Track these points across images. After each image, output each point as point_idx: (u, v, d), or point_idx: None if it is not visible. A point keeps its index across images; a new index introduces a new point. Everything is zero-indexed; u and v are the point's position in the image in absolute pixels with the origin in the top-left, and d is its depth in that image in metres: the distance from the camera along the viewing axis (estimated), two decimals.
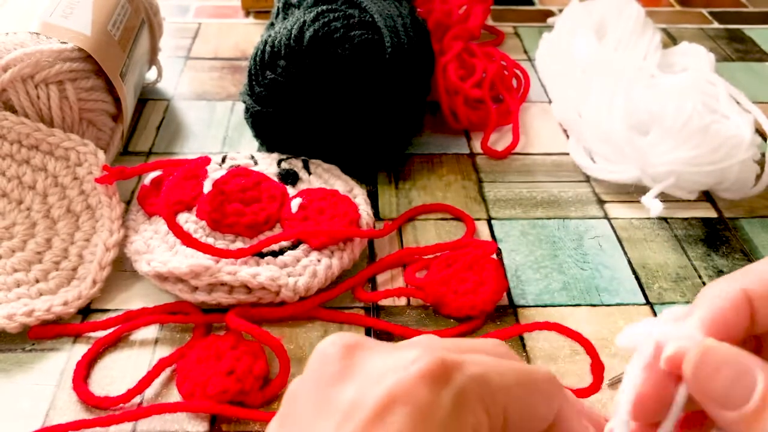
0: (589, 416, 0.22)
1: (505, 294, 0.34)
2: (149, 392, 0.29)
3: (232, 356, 0.29)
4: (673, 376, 0.18)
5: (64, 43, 0.38)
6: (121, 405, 0.28)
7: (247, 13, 0.63)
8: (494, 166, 0.44)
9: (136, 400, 0.29)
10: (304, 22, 0.38)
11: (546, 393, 0.19)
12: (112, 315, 0.32)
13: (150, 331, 0.32)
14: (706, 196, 0.42)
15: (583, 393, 0.29)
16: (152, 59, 0.49)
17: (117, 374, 0.30)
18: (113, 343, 0.31)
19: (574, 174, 0.43)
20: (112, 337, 0.31)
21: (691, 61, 0.47)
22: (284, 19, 0.41)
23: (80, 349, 0.31)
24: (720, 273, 0.36)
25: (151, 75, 0.51)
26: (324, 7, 0.39)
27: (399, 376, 0.17)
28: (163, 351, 0.31)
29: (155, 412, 0.28)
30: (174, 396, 0.29)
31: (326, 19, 0.38)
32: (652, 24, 0.51)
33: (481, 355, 0.19)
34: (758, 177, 0.40)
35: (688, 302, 0.34)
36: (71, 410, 0.28)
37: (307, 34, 0.37)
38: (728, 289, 0.19)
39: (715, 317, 0.19)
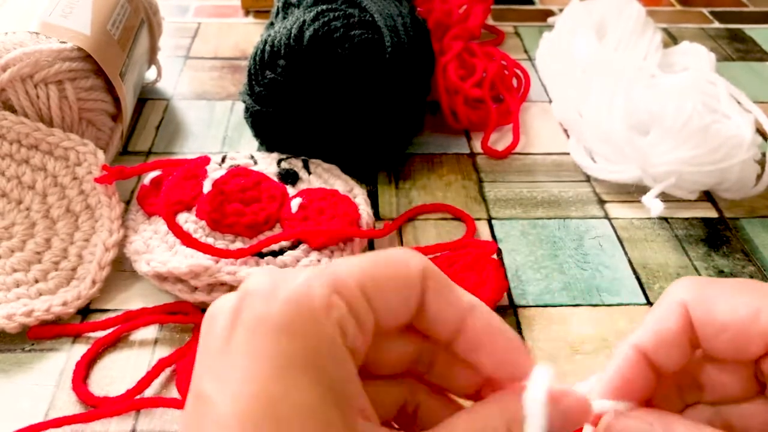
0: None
1: (505, 294, 0.34)
2: (149, 392, 0.29)
3: None
4: None
5: (64, 42, 0.37)
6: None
7: (247, 13, 0.63)
8: (494, 165, 0.44)
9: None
10: (304, 21, 0.38)
11: (400, 261, 0.17)
12: (112, 315, 0.32)
13: (150, 331, 0.32)
14: (707, 196, 0.41)
15: None
16: (152, 59, 0.49)
17: (117, 374, 0.30)
18: (113, 343, 0.31)
19: (574, 174, 0.43)
20: (112, 337, 0.31)
21: (691, 61, 0.47)
22: (284, 18, 0.41)
23: (80, 349, 0.31)
24: (721, 273, 0.36)
25: (150, 75, 0.51)
26: (324, 7, 0.39)
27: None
28: (163, 351, 0.31)
29: (154, 405, 0.28)
30: (174, 395, 0.29)
31: (326, 19, 0.38)
32: (653, 24, 0.51)
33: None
34: (759, 177, 0.40)
35: None
36: (71, 410, 0.28)
37: (307, 33, 0.37)
38: (621, 349, 0.20)
39: (614, 380, 0.19)
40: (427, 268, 0.18)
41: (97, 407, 0.28)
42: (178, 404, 0.28)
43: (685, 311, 0.19)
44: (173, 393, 0.29)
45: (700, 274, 0.36)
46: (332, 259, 0.34)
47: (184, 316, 0.32)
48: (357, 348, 0.17)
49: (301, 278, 0.16)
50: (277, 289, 0.16)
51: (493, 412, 0.17)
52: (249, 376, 0.15)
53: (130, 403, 0.28)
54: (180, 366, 0.29)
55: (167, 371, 0.30)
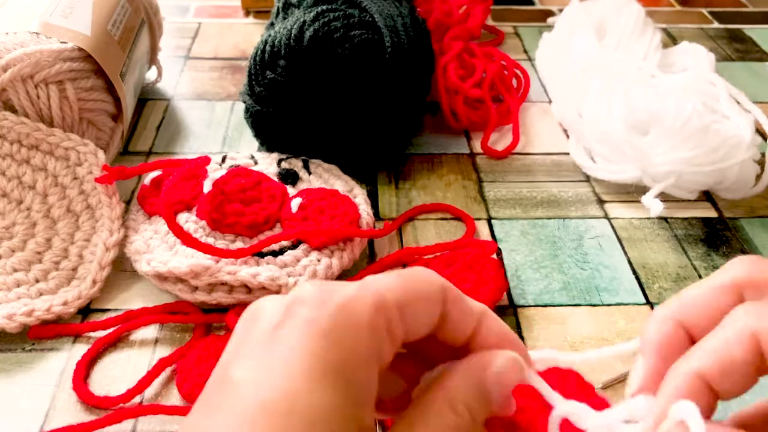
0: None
1: (505, 294, 0.34)
2: (149, 392, 0.29)
3: None
4: None
5: (64, 42, 0.38)
6: (121, 405, 0.28)
7: (247, 13, 0.63)
8: (494, 165, 0.44)
9: (137, 399, 0.29)
10: (304, 21, 0.38)
11: (425, 279, 0.19)
12: (112, 315, 0.32)
13: (150, 331, 0.32)
14: (706, 196, 0.42)
15: None
16: (152, 59, 0.49)
17: (117, 374, 0.30)
18: (113, 343, 0.31)
19: (574, 174, 0.43)
20: (112, 336, 0.31)
21: (691, 61, 0.47)
22: (284, 18, 0.41)
23: (80, 349, 0.31)
24: None
25: (151, 75, 0.51)
26: (324, 7, 0.39)
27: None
28: (163, 351, 0.31)
29: (153, 412, 0.28)
30: (174, 395, 0.29)
31: (326, 19, 0.38)
32: (652, 24, 0.51)
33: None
34: (758, 177, 0.40)
35: None
36: (71, 410, 0.28)
37: (307, 33, 0.37)
38: (681, 372, 0.19)
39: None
40: (445, 284, 0.19)
41: (98, 406, 0.28)
42: (179, 411, 0.28)
43: (755, 343, 0.18)
44: (173, 392, 0.29)
45: (699, 274, 0.36)
46: (332, 259, 0.34)
47: (184, 316, 0.32)
48: (386, 361, 0.18)
49: (350, 291, 0.18)
50: (328, 298, 0.17)
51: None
52: (288, 372, 0.16)
53: (132, 410, 0.28)
54: (180, 365, 0.29)
55: (168, 371, 0.30)
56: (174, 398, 0.29)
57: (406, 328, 0.18)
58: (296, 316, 0.17)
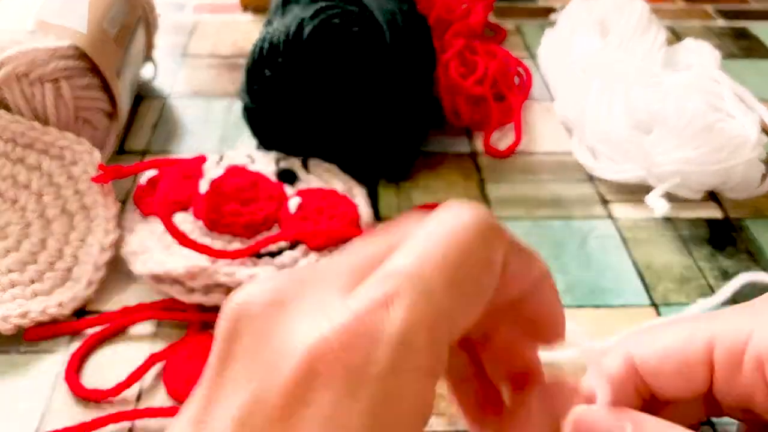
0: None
1: None
2: (140, 387, 0.29)
3: None
4: None
5: (60, 40, 0.37)
6: (111, 398, 0.28)
7: (245, 10, 0.62)
8: (496, 165, 0.43)
9: (129, 393, 0.28)
10: (303, 18, 0.38)
11: (486, 245, 0.16)
12: None
13: (146, 327, 0.31)
14: (712, 196, 0.41)
15: None
16: (148, 56, 0.49)
17: (111, 369, 0.29)
18: (108, 338, 0.31)
19: (577, 173, 0.43)
20: (108, 331, 0.31)
21: (695, 59, 0.47)
22: (283, 15, 0.41)
23: None
24: (725, 273, 0.35)
25: (147, 72, 0.50)
26: (323, 4, 0.39)
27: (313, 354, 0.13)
28: (159, 347, 0.30)
29: (147, 415, 0.27)
30: (162, 391, 0.29)
31: (325, 16, 0.38)
32: (657, 21, 0.50)
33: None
34: (764, 176, 0.40)
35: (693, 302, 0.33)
36: (67, 412, 0.28)
37: (306, 30, 0.37)
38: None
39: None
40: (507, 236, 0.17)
41: (88, 399, 0.28)
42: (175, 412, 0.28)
43: (629, 358, 0.20)
44: (163, 388, 0.29)
45: (704, 275, 0.35)
46: None
47: (181, 313, 0.32)
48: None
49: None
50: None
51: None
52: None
53: (128, 413, 0.27)
54: (169, 362, 0.29)
55: (158, 366, 0.29)
56: (163, 393, 0.29)
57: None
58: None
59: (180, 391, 0.28)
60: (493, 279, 0.16)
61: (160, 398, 0.28)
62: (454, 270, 0.15)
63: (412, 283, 0.14)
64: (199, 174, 0.36)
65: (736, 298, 0.33)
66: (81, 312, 0.32)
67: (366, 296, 0.14)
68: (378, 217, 0.38)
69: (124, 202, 0.37)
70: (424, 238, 0.15)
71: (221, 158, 0.39)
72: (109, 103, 0.40)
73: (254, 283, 0.16)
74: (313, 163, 0.39)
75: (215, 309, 0.32)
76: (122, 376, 0.29)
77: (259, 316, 0.15)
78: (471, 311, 0.15)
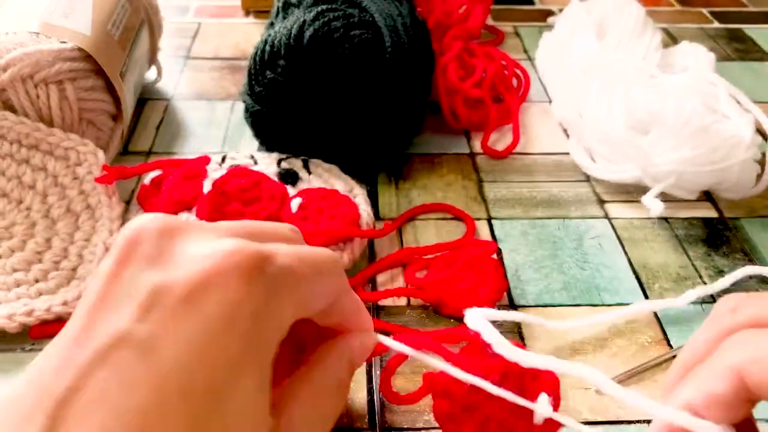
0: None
1: (505, 294, 0.34)
2: None
3: None
4: None
5: (64, 42, 0.38)
6: None
7: (247, 13, 0.63)
8: (494, 165, 0.44)
9: None
10: (304, 21, 0.38)
11: (331, 272, 0.21)
12: None
13: None
14: (707, 196, 0.42)
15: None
16: (152, 59, 0.49)
17: None
18: None
19: (574, 174, 0.43)
20: None
21: (691, 61, 0.47)
22: (284, 18, 0.41)
23: None
24: (720, 273, 0.36)
25: (150, 75, 0.51)
26: (324, 7, 0.39)
27: (214, 262, 0.18)
28: None
29: None
30: None
31: (326, 19, 0.38)
32: (652, 23, 0.51)
33: (280, 243, 0.20)
34: (759, 177, 0.40)
35: (689, 303, 0.34)
36: None
37: (307, 33, 0.37)
38: (672, 405, 0.19)
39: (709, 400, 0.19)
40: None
41: None
42: None
43: (738, 378, 0.19)
44: None
45: (700, 274, 0.36)
46: None
47: None
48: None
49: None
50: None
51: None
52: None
53: None
54: None
55: None
56: None
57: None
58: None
59: None
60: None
61: None
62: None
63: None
64: (202, 174, 0.37)
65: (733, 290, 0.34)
66: None
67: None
68: (378, 216, 0.39)
69: (128, 203, 0.38)
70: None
71: (224, 159, 0.39)
72: (114, 105, 0.41)
73: (147, 214, 0.20)
74: (314, 163, 0.39)
75: None
76: None
77: (155, 235, 0.19)
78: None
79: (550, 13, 0.65)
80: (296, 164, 0.39)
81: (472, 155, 0.45)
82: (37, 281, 0.33)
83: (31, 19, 0.38)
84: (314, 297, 0.21)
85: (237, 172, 0.37)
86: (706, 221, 0.40)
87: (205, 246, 0.18)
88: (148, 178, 0.37)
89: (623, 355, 0.31)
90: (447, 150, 0.45)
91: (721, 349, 0.20)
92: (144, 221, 0.19)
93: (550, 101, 0.50)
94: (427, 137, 0.46)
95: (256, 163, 0.39)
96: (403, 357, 0.26)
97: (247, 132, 0.43)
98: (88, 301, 0.18)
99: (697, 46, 0.49)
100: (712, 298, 0.34)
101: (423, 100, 0.43)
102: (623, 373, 0.30)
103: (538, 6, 0.67)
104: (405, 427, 0.28)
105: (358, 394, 0.29)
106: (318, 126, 0.40)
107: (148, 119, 0.47)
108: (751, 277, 0.35)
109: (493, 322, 0.25)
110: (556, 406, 0.23)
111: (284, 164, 0.39)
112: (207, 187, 0.35)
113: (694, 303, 0.34)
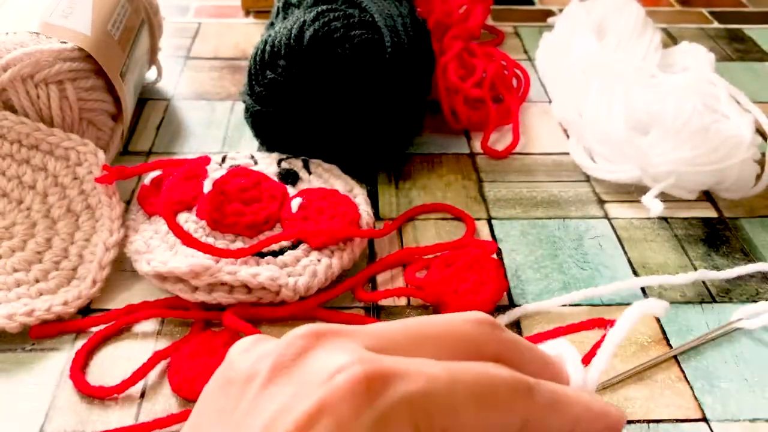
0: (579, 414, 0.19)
1: (505, 294, 0.34)
2: (144, 384, 0.29)
3: (225, 353, 0.29)
4: None
5: (64, 42, 0.38)
6: (115, 395, 0.29)
7: (247, 13, 0.63)
8: (494, 165, 0.44)
9: (133, 390, 0.29)
10: (304, 21, 0.38)
11: (506, 404, 0.17)
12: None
13: (150, 325, 0.32)
14: (707, 196, 0.42)
15: None
16: (152, 59, 0.49)
17: (116, 367, 0.30)
18: (113, 336, 0.31)
19: (574, 174, 0.43)
20: (112, 329, 0.31)
21: (691, 61, 0.47)
22: (284, 18, 0.41)
23: None
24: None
25: (151, 75, 0.51)
26: (324, 7, 0.39)
27: (327, 388, 0.16)
28: (163, 345, 0.31)
29: (155, 427, 0.28)
30: (166, 388, 0.29)
31: (326, 19, 0.38)
32: (652, 24, 0.51)
33: (429, 360, 0.17)
34: (758, 177, 0.40)
35: (688, 302, 0.34)
36: (71, 410, 0.28)
37: (307, 33, 0.37)
38: None
39: None
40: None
41: (93, 396, 0.28)
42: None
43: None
44: (167, 385, 0.29)
45: None
46: (332, 259, 0.34)
47: (184, 311, 0.32)
48: None
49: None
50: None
51: None
52: None
53: (138, 426, 0.28)
54: (174, 359, 0.30)
55: (163, 363, 0.30)
56: (167, 390, 0.29)
57: None
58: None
59: (184, 388, 0.28)
60: None
61: (164, 395, 0.29)
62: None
63: None
64: (203, 174, 0.37)
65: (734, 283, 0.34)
66: (86, 310, 0.33)
67: None
68: (378, 216, 0.39)
69: (128, 202, 0.38)
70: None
71: (224, 159, 0.39)
72: (114, 105, 0.41)
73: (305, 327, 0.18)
74: (314, 163, 0.39)
75: (218, 307, 0.32)
76: (127, 374, 0.29)
77: (296, 351, 0.17)
78: None
79: (550, 13, 0.65)
80: (296, 164, 0.39)
81: (472, 155, 0.45)
82: (37, 281, 0.33)
83: (31, 19, 0.38)
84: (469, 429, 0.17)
85: (237, 172, 0.37)
86: (705, 221, 0.40)
87: (332, 361, 0.17)
88: (148, 178, 0.37)
89: (623, 355, 0.31)
90: (447, 150, 0.45)
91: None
92: (302, 331, 0.18)
93: (550, 101, 0.50)
94: (427, 137, 0.46)
95: (256, 163, 0.39)
96: None
97: (247, 132, 0.43)
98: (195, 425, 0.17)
99: (697, 47, 0.49)
100: (713, 299, 0.34)
101: (423, 100, 0.43)
102: (623, 373, 0.30)
103: (538, 6, 0.67)
104: None
105: None
106: (318, 126, 0.40)
107: (148, 119, 0.47)
108: (751, 276, 0.35)
109: None
110: None
111: (284, 164, 0.39)
112: (207, 187, 0.35)
113: (694, 303, 0.34)
